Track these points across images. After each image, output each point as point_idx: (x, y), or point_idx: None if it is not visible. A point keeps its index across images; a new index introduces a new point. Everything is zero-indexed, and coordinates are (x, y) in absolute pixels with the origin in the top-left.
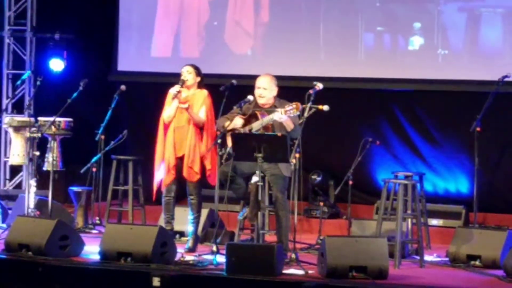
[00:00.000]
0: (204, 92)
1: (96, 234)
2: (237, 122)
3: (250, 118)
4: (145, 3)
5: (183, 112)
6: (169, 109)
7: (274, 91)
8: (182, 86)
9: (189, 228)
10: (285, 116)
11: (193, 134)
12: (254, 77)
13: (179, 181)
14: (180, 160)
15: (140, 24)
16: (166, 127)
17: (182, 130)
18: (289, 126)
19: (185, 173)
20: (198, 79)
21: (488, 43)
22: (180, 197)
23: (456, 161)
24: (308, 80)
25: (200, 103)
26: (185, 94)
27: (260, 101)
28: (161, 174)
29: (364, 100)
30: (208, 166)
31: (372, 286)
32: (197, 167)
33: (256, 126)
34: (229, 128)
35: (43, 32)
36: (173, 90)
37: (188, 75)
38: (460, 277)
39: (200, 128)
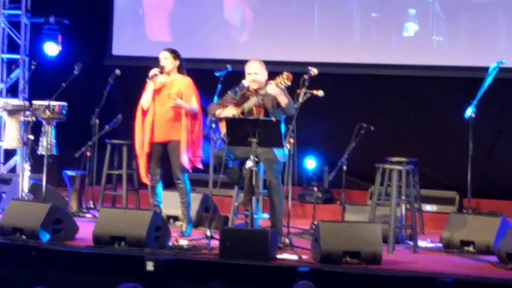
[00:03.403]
0: (188, 80)
1: (90, 218)
2: (230, 112)
3: (243, 101)
4: None
5: (159, 95)
6: (145, 95)
7: (265, 75)
8: (161, 73)
9: (181, 213)
10: (278, 89)
11: (186, 124)
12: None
13: (164, 164)
14: (162, 146)
15: (134, 8)
16: (144, 113)
17: (162, 115)
18: (283, 100)
19: (184, 161)
20: (177, 62)
21: (482, 29)
22: (171, 183)
23: (450, 146)
24: (303, 66)
25: (189, 92)
26: (163, 79)
27: (254, 86)
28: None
29: (358, 85)
30: (198, 153)
31: (365, 271)
32: (191, 154)
33: (248, 105)
34: (221, 116)
35: (38, 16)
36: (150, 73)
37: (165, 61)
38: (454, 263)
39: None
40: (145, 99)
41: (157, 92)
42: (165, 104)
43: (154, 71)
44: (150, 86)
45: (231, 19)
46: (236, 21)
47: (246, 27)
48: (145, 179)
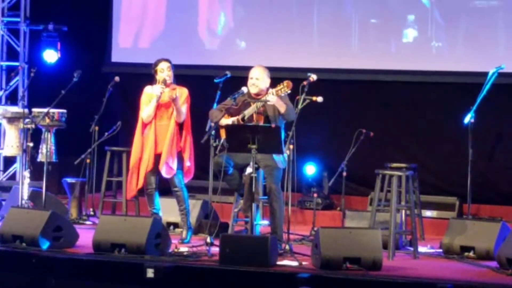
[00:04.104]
0: (186, 90)
1: (90, 225)
2: (227, 122)
3: (243, 108)
4: None
5: (165, 109)
6: (148, 109)
7: (266, 82)
8: (165, 85)
9: (180, 220)
10: (276, 98)
11: (173, 131)
12: (248, 69)
13: (160, 173)
14: (159, 156)
15: (133, 15)
16: (145, 125)
17: (163, 127)
18: (282, 107)
19: (161, 168)
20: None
21: (482, 35)
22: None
23: (450, 152)
24: (302, 72)
25: (182, 100)
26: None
27: (253, 90)
28: (136, 174)
29: (358, 91)
30: (187, 163)
31: (365, 277)
32: (174, 164)
33: (248, 112)
34: (220, 124)
35: (37, 23)
36: (157, 92)
37: (169, 71)
38: (454, 268)
39: (179, 124)
40: (148, 114)
41: (159, 105)
42: (165, 117)
43: (159, 89)
44: (152, 101)
45: (230, 25)
46: (235, 27)
47: (245, 33)
48: (131, 193)
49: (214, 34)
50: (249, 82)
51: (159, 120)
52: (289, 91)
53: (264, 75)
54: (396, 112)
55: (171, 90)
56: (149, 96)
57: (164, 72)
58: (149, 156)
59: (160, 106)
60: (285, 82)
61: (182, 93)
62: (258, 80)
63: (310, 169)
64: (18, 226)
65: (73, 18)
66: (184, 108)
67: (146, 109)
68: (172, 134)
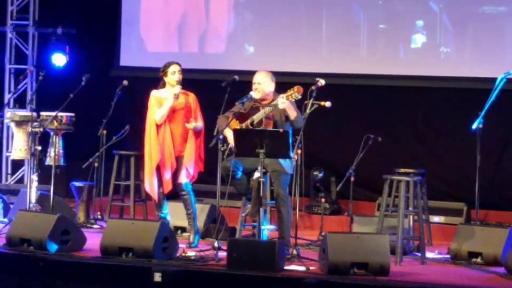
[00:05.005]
0: (194, 96)
1: (98, 229)
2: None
3: (252, 112)
4: None
5: (179, 112)
6: (162, 110)
7: (270, 85)
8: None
9: (187, 224)
10: (287, 102)
11: (193, 139)
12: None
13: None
14: (175, 159)
15: (142, 19)
16: (158, 128)
17: (179, 130)
18: (292, 114)
19: (180, 173)
20: None
21: (490, 40)
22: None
23: (458, 158)
24: (311, 77)
25: (196, 108)
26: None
27: (258, 95)
28: (154, 178)
29: (366, 96)
30: (201, 167)
31: (373, 282)
32: (192, 169)
33: (258, 116)
34: (224, 134)
35: (46, 27)
36: (175, 91)
37: (180, 75)
38: (462, 274)
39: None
40: (161, 115)
41: (174, 109)
42: (179, 121)
43: (178, 89)
44: (166, 103)
45: (238, 30)
46: (244, 32)
47: (254, 38)
48: (155, 195)
49: (223, 39)
50: (253, 87)
51: (174, 123)
52: (299, 97)
53: (267, 78)
54: (404, 117)
55: (187, 98)
56: (158, 99)
57: (175, 74)
58: (171, 160)
59: (174, 110)
60: (296, 88)
61: (194, 99)
62: (260, 85)
63: (318, 174)
64: (26, 230)
65: (82, 21)
66: (200, 117)
67: (160, 110)
68: (193, 140)
